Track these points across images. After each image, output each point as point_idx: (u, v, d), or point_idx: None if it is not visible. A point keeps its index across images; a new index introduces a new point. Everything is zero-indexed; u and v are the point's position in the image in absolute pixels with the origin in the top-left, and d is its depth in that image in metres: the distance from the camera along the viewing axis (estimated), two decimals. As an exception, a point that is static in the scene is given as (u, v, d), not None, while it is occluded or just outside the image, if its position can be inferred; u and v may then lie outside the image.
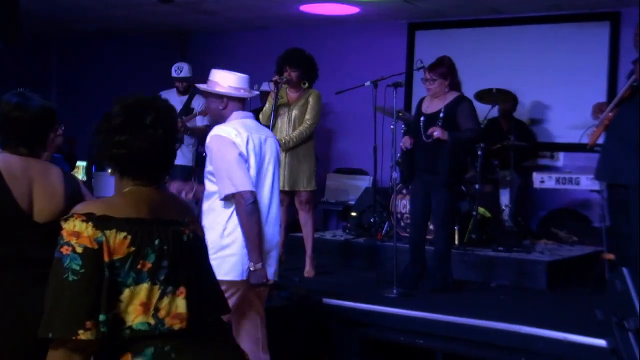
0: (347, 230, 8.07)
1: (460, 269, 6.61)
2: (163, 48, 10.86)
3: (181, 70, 8.39)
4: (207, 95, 4.28)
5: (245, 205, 3.93)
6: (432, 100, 6.21)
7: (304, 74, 6.65)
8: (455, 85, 6.19)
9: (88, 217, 2.17)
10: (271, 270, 4.19)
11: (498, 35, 8.93)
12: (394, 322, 5.40)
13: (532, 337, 4.94)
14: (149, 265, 2.21)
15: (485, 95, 7.94)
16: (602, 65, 8.29)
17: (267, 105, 6.70)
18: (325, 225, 9.44)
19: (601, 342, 4.58)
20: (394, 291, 5.82)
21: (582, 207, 8.30)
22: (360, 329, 5.42)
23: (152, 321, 2.19)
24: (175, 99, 8.18)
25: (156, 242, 2.23)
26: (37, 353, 2.70)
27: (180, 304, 2.24)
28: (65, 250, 2.15)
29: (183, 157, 7.94)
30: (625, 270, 4.45)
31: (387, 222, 7.63)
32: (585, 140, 5.50)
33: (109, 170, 2.40)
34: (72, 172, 10.03)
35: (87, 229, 2.15)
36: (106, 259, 2.15)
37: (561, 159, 8.65)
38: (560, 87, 8.50)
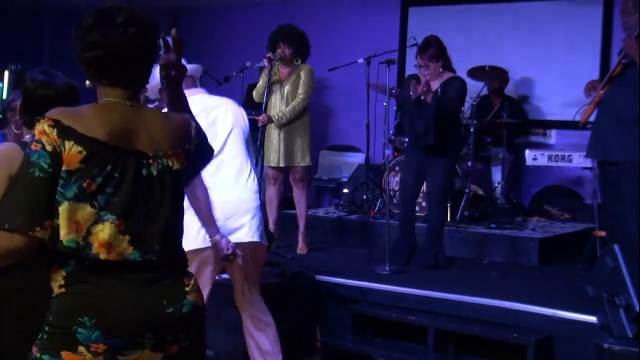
0: (339, 207, 8.08)
1: (452, 246, 6.63)
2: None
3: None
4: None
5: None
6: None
7: (296, 50, 6.63)
8: (445, 63, 6.16)
9: (55, 123, 2.16)
10: (244, 232, 4.22)
11: (491, 12, 8.90)
12: (386, 298, 5.43)
13: (523, 313, 4.97)
14: (93, 187, 2.16)
15: (477, 72, 7.93)
16: (595, 42, 8.28)
17: (260, 82, 6.69)
18: (318, 202, 9.45)
19: (592, 319, 4.61)
20: (387, 268, 5.85)
21: (574, 184, 8.32)
22: (353, 305, 5.44)
23: (81, 242, 2.16)
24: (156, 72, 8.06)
25: (108, 167, 2.18)
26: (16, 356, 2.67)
27: (114, 235, 2.18)
28: (35, 146, 2.13)
29: None
30: (616, 247, 4.48)
31: (379, 199, 7.65)
32: (578, 118, 5.50)
33: (87, 82, 2.36)
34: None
35: (52, 133, 2.14)
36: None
37: (553, 136, 8.65)
38: (553, 64, 8.49)
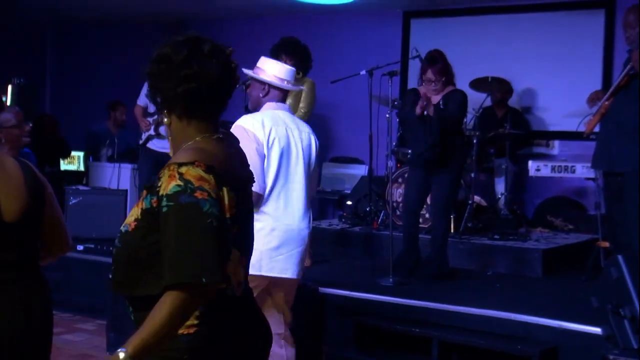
0: (343, 219, 8.07)
1: (456, 257, 6.62)
2: (159, 37, 10.80)
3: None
4: (251, 80, 4.27)
5: None
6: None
7: (298, 63, 6.63)
8: (449, 78, 6.14)
9: (209, 169, 2.04)
10: (294, 270, 4.19)
11: (493, 23, 8.93)
12: (390, 310, 5.41)
13: (528, 325, 4.95)
14: (235, 229, 2.11)
15: (480, 84, 7.93)
16: (597, 53, 8.29)
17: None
18: (321, 214, 9.44)
19: (597, 330, 4.59)
20: (390, 279, 5.83)
21: (577, 194, 8.32)
22: (356, 317, 5.43)
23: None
24: None
25: (240, 207, 2.11)
26: (14, 357, 2.64)
27: (242, 272, 2.19)
28: (201, 195, 2.00)
29: None
30: (620, 258, 4.47)
31: (382, 211, 7.64)
32: (582, 128, 5.50)
33: (165, 120, 2.24)
34: (68, 159, 10.04)
35: (210, 180, 2.03)
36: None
37: (556, 147, 8.65)
38: (555, 75, 8.50)
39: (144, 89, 8.09)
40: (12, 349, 2.61)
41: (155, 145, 7.73)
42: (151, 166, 7.57)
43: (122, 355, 1.92)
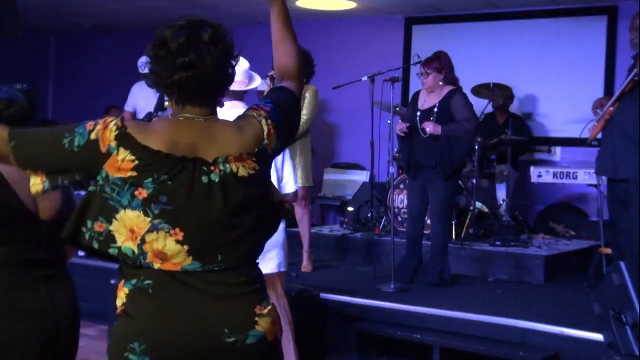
0: (344, 225, 8.07)
1: (457, 264, 6.62)
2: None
3: (144, 65, 7.87)
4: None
5: None
6: (428, 95, 6.22)
7: (300, 69, 6.64)
8: (450, 80, 6.18)
9: (121, 127, 2.14)
10: (275, 263, 4.26)
11: (495, 29, 8.93)
12: (391, 316, 5.41)
13: (529, 332, 4.95)
14: (144, 194, 2.10)
15: (482, 90, 7.93)
16: (599, 59, 8.29)
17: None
18: (322, 220, 9.44)
19: (598, 337, 4.58)
20: (391, 286, 5.83)
21: (579, 201, 8.30)
22: (358, 323, 5.42)
23: (136, 250, 2.12)
24: (148, 91, 7.97)
25: (163, 176, 2.12)
26: (44, 353, 2.71)
27: (169, 245, 2.12)
28: (88, 125, 2.16)
29: None
30: (622, 264, 4.46)
31: (384, 217, 7.64)
32: (586, 135, 5.49)
33: (166, 103, 2.28)
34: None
35: (111, 133, 2.13)
36: (111, 172, 2.13)
37: (558, 153, 8.65)
38: (557, 81, 8.49)
39: (131, 94, 8.08)
40: (44, 345, 2.71)
41: None
42: None
43: None
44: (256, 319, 2.17)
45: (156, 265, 2.12)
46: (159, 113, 7.75)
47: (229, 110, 4.23)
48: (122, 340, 2.14)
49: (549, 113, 8.65)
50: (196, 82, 2.18)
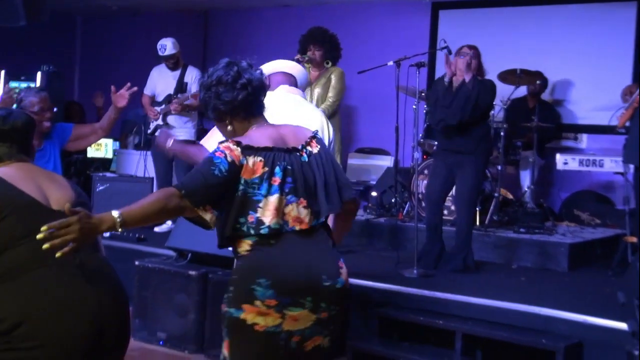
0: (368, 210, 8.06)
1: (481, 250, 6.59)
2: (186, 26, 10.86)
3: (165, 48, 7.91)
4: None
5: None
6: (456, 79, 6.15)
7: (327, 53, 6.63)
8: (480, 71, 6.11)
9: (237, 143, 2.90)
10: None
11: (522, 15, 8.86)
12: (413, 302, 5.40)
13: (552, 319, 4.93)
14: (278, 180, 2.92)
15: (509, 76, 7.87)
16: (629, 46, 8.21)
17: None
18: (346, 204, 9.42)
19: (622, 325, 4.56)
20: (414, 271, 5.82)
21: (605, 189, 8.25)
22: (380, 309, 5.42)
23: (281, 222, 2.92)
24: (167, 74, 8.01)
25: (283, 163, 2.95)
26: (83, 344, 2.74)
27: (301, 211, 2.96)
28: (219, 154, 2.87)
29: (187, 133, 7.88)
30: (647, 253, 4.43)
31: (408, 203, 7.62)
32: (614, 122, 5.45)
33: (228, 128, 3.06)
34: (95, 149, 10.13)
35: (236, 150, 2.89)
36: (247, 177, 2.89)
37: (585, 140, 8.59)
38: (585, 68, 8.43)
39: (150, 78, 8.10)
40: (89, 339, 2.77)
41: None
42: (162, 154, 7.59)
43: (115, 214, 2.63)
44: (340, 270, 3.04)
45: (297, 227, 2.96)
46: (179, 95, 7.82)
47: (288, 95, 4.27)
48: (249, 276, 2.87)
49: (576, 100, 8.59)
50: (254, 96, 3.04)
